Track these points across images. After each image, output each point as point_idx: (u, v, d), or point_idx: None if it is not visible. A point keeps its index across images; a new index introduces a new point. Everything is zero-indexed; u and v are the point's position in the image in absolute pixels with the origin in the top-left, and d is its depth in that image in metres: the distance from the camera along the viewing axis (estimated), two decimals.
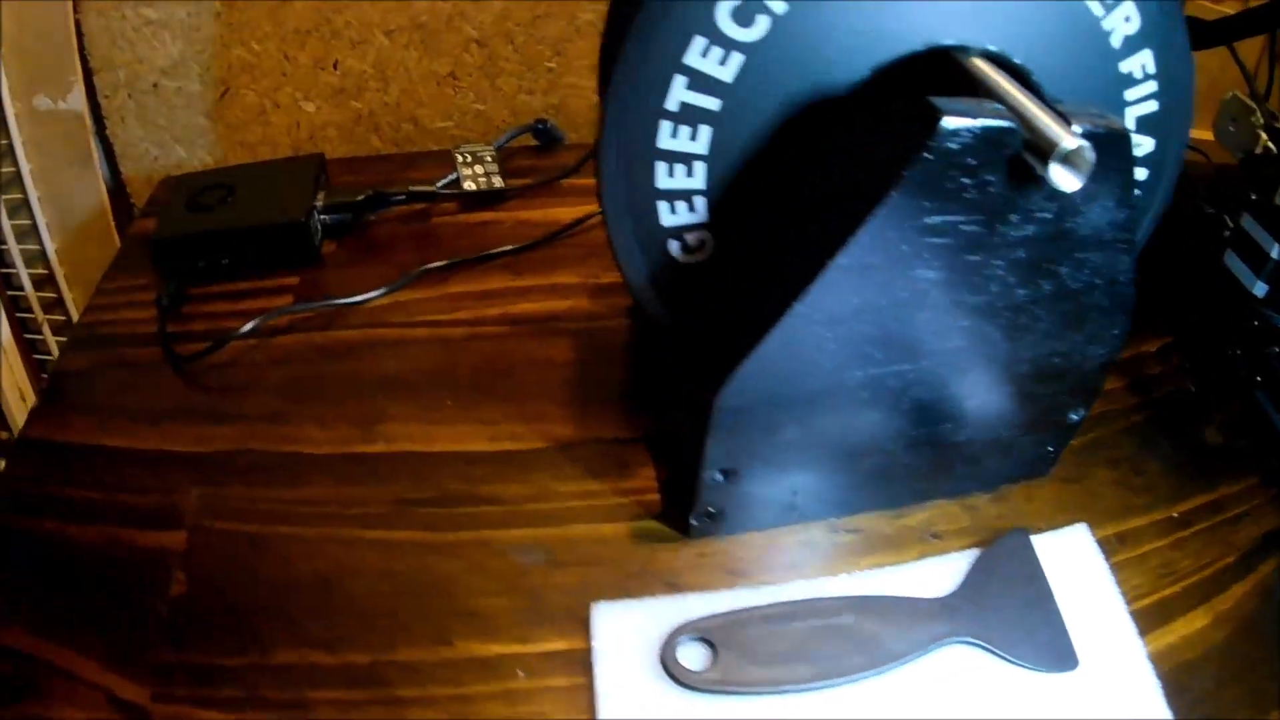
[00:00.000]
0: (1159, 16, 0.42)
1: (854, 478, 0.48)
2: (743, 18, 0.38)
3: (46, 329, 0.93)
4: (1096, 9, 0.41)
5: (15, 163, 0.85)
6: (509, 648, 0.46)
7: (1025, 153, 0.35)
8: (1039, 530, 0.48)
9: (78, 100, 0.82)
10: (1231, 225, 0.57)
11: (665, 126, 0.40)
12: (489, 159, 0.72)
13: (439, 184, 0.71)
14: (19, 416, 0.87)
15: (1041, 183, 0.35)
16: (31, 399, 0.88)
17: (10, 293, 0.92)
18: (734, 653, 0.42)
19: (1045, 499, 0.51)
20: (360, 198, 0.68)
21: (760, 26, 0.38)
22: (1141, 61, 0.43)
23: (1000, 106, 0.36)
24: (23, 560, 0.53)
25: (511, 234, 0.70)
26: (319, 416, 0.58)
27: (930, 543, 0.49)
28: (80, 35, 0.80)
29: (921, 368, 0.43)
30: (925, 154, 0.35)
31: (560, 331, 0.63)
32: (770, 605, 0.44)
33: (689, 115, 0.40)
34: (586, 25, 0.78)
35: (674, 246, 0.44)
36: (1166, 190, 0.48)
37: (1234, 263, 0.56)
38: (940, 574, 0.46)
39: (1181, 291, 0.62)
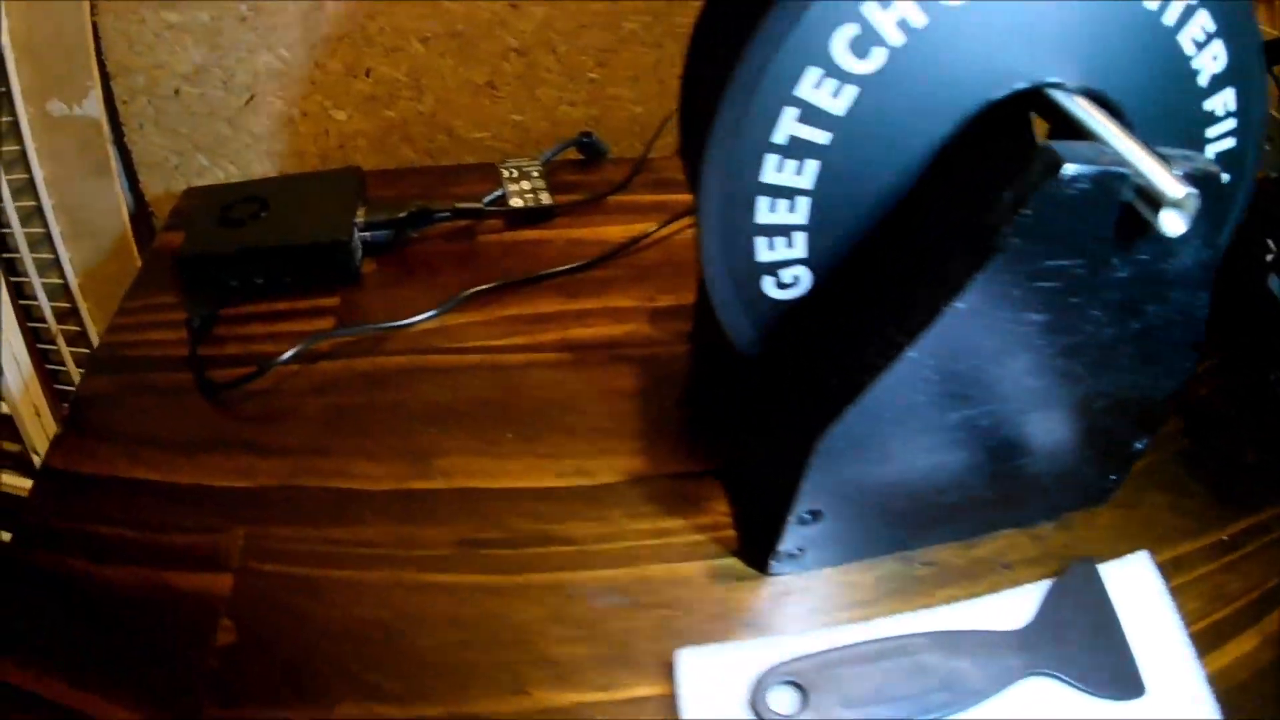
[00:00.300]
0: (1244, 56, 0.41)
1: (933, 512, 0.47)
2: (860, 49, 0.35)
3: (61, 341, 0.88)
4: (1188, 48, 0.39)
5: (28, 169, 0.79)
6: (589, 696, 0.43)
7: (1137, 199, 0.35)
8: (1102, 557, 0.47)
9: (94, 106, 0.77)
10: (1275, 249, 0.56)
11: (771, 160, 0.38)
12: (535, 174, 0.67)
13: (485, 200, 0.67)
14: (34, 434, 0.81)
15: (1147, 227, 0.34)
16: (49, 421, 0.82)
17: (22, 302, 0.86)
18: (825, 696, 0.41)
19: (1105, 525, 0.50)
20: (403, 214, 0.64)
21: (876, 59, 0.36)
22: (1224, 99, 0.42)
23: (1112, 151, 0.35)
24: (51, 601, 0.49)
25: (562, 254, 0.66)
26: (369, 450, 0.54)
27: (1002, 573, 0.47)
28: (97, 38, 0.75)
29: (1010, 406, 0.42)
30: (1046, 199, 0.34)
31: (621, 358, 0.59)
32: (855, 645, 0.43)
33: (797, 149, 0.37)
34: (630, 35, 0.74)
35: (768, 282, 0.42)
36: (1235, 224, 0.47)
37: (1277, 286, 0.56)
38: (1014, 606, 0.45)
39: (1227, 314, 0.60)
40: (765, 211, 0.39)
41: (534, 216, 0.68)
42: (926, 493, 0.45)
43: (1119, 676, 0.42)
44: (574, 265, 0.64)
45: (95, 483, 0.54)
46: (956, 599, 0.46)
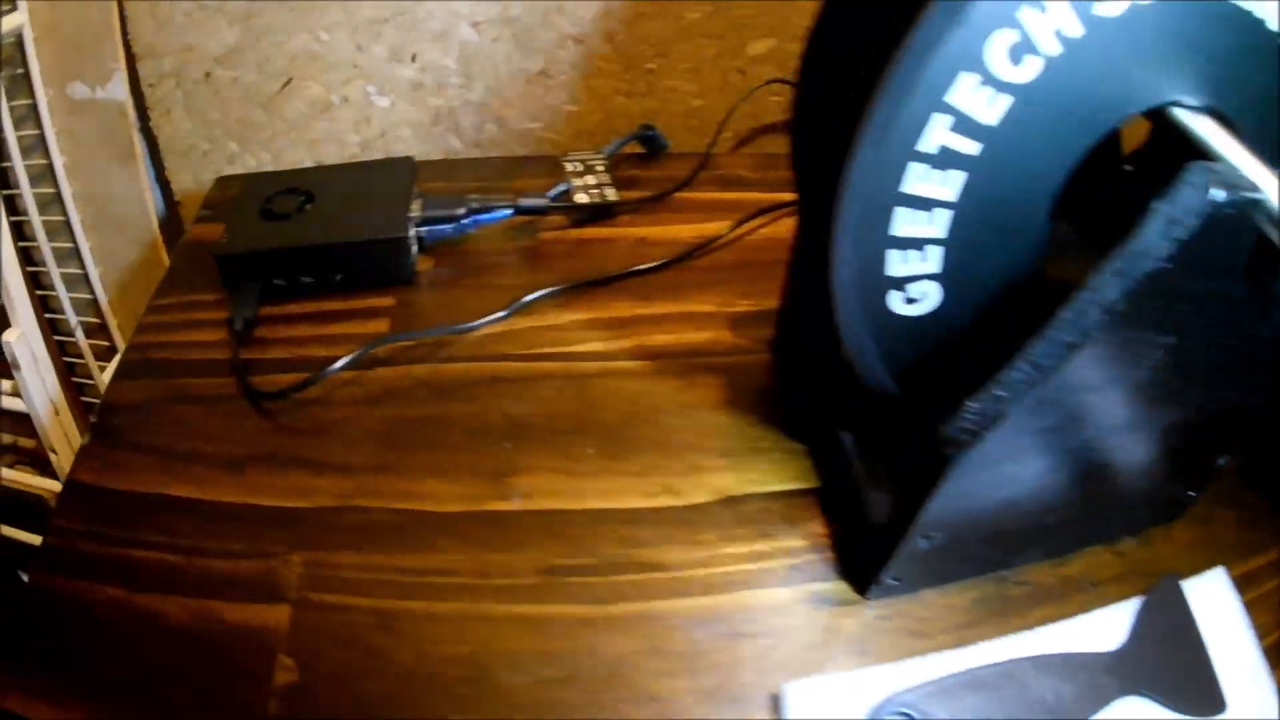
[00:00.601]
0: None
1: (1029, 532, 0.45)
2: (1015, 56, 0.33)
3: (80, 334, 0.81)
4: None
5: (47, 155, 0.73)
6: None
7: (1267, 222, 0.33)
8: (1181, 573, 0.45)
9: (119, 89, 0.71)
10: None
11: (917, 170, 0.35)
12: (600, 168, 0.62)
13: (549, 195, 0.61)
14: (52, 432, 0.75)
15: (1275, 250, 0.33)
16: (68, 419, 0.76)
17: (39, 292, 0.79)
18: None
19: (1181, 540, 0.47)
20: (462, 210, 0.58)
21: (1030, 68, 0.33)
22: None
23: (1247, 174, 0.33)
24: (82, 632, 0.43)
25: (631, 253, 0.60)
26: (438, 467, 0.48)
27: (1090, 591, 0.45)
28: (123, 18, 0.68)
29: (1116, 425, 0.41)
30: (1193, 223, 0.32)
31: (703, 368, 0.53)
32: (964, 673, 0.41)
33: (945, 159, 0.34)
34: (691, 25, 0.69)
35: (895, 297, 0.39)
36: None
37: None
38: (1106, 625, 0.44)
39: None
40: (903, 223, 0.36)
41: (598, 213, 0.62)
42: (1027, 513, 0.43)
43: (1203, 693, 0.42)
44: (647, 266, 0.59)
45: (128, 500, 0.49)
46: (1050, 619, 0.43)
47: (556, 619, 0.42)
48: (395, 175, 0.60)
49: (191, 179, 0.76)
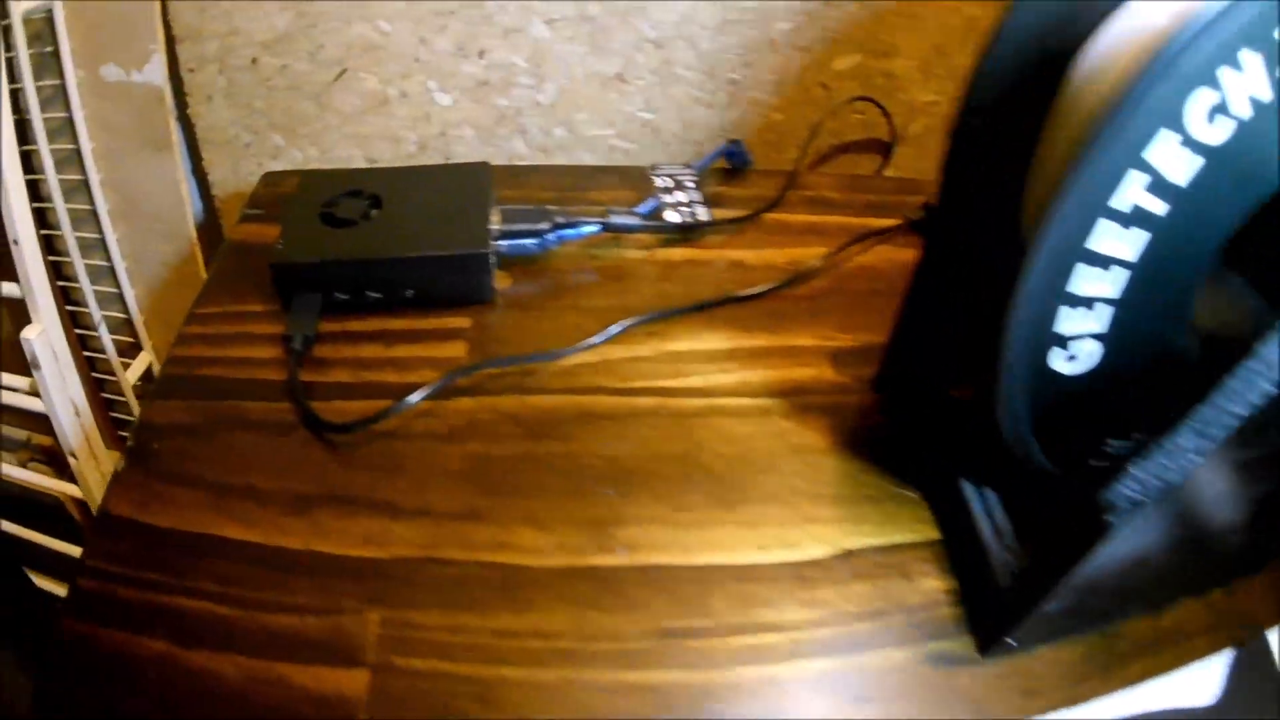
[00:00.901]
0: None
1: (1138, 588, 0.44)
2: (1211, 116, 0.31)
3: (104, 329, 0.74)
4: None
5: (74, 139, 0.65)
6: None
7: None
8: (1266, 623, 0.43)
9: (156, 73, 0.63)
10: None
11: (1106, 226, 0.33)
12: (690, 184, 0.56)
13: (637, 209, 0.54)
14: (70, 434, 0.67)
15: None
16: (89, 420, 0.68)
17: (61, 283, 0.72)
18: None
19: (1266, 589, 0.45)
20: (546, 224, 0.51)
21: (1222, 130, 0.31)
22: None
23: None
24: (122, 691, 0.37)
25: (724, 278, 0.54)
26: (532, 515, 0.42)
27: (1183, 644, 0.42)
28: None
29: (1235, 479, 0.39)
30: None
31: (811, 408, 0.48)
32: None
33: (1134, 217, 0.32)
34: (781, 36, 0.63)
35: (1056, 353, 0.36)
36: None
37: None
38: (1203, 680, 0.43)
39: None
40: (1081, 279, 0.33)
41: (685, 232, 0.56)
42: (1139, 570, 0.41)
43: None
44: (745, 294, 0.52)
45: (174, 539, 0.42)
46: (1148, 672, 0.41)
47: (670, 687, 0.37)
48: (471, 182, 0.54)
49: (230, 172, 0.69)
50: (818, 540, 0.42)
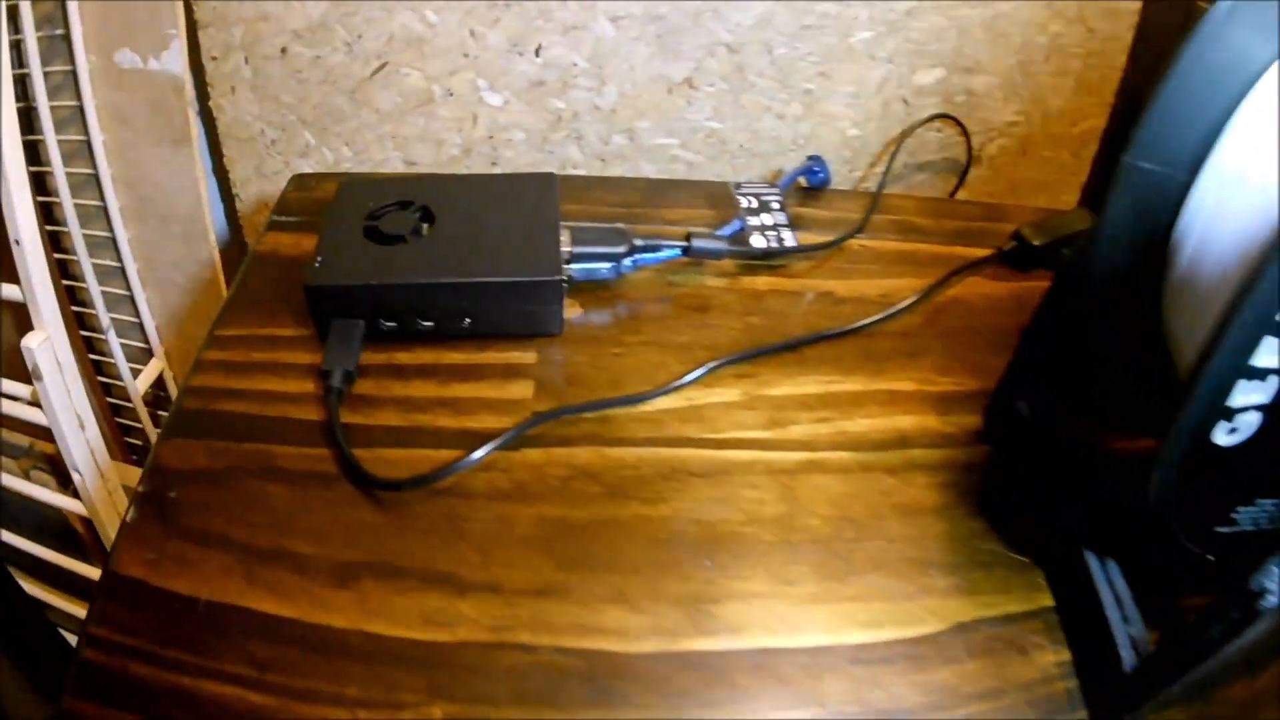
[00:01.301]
0: None
1: (1248, 655, 0.37)
2: None
3: (113, 334, 0.65)
4: None
5: (85, 130, 0.56)
6: None
7: None
8: None
9: (175, 60, 0.55)
10: None
11: None
12: (775, 205, 0.47)
13: (721, 231, 0.46)
14: (74, 446, 0.59)
15: None
16: (95, 434, 0.60)
17: (66, 283, 0.63)
18: None
19: None
20: (623, 247, 0.43)
21: None
22: None
23: None
24: None
25: (815, 311, 0.46)
26: (620, 591, 0.35)
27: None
28: None
29: None
30: None
31: (915, 463, 0.40)
32: None
33: None
34: (858, 46, 0.55)
35: (1221, 427, 0.32)
36: None
37: None
38: None
39: None
40: (1265, 353, 0.30)
41: (770, 257, 0.48)
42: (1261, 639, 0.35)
43: None
44: (838, 330, 0.45)
45: (194, 609, 0.34)
46: None
47: None
48: (536, 195, 0.46)
49: (253, 171, 0.60)
50: (931, 614, 0.36)
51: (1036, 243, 0.51)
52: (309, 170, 0.59)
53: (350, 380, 0.41)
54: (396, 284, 0.41)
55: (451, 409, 0.41)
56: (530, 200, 0.45)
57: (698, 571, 0.36)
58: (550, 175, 0.47)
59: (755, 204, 0.48)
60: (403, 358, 0.43)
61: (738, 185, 0.48)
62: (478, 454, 0.37)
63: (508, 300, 0.41)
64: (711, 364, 0.42)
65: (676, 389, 0.42)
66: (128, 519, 0.38)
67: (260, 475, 0.39)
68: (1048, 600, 0.37)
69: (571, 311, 0.45)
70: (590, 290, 0.46)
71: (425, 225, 0.44)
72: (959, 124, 0.59)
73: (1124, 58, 0.59)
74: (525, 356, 0.43)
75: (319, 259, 0.42)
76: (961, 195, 0.63)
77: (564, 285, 0.42)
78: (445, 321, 0.42)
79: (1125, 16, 0.57)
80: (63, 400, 0.60)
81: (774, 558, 0.37)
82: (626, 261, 0.44)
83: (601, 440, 0.40)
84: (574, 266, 0.44)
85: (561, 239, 0.43)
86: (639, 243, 0.44)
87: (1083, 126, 0.61)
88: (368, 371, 0.42)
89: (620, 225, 0.47)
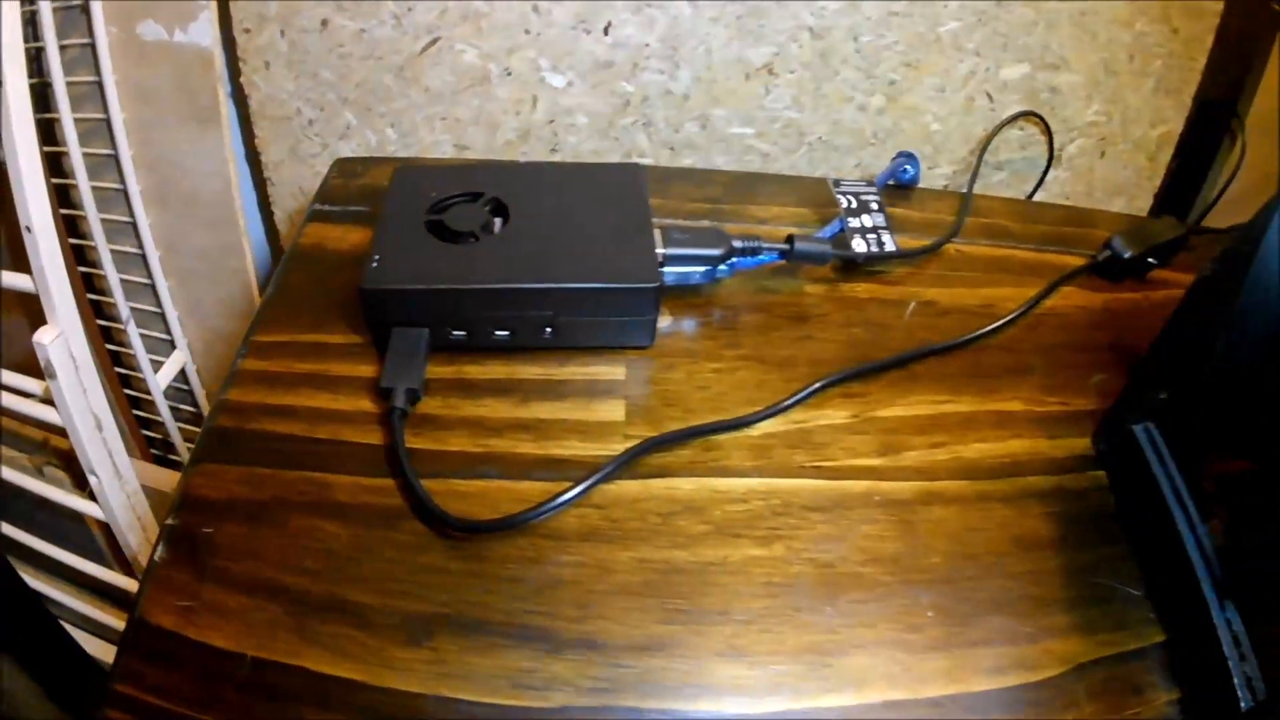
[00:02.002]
0: None
1: None
2: None
3: (132, 326, 0.56)
4: None
5: (104, 108, 0.48)
6: None
7: None
8: None
9: (204, 33, 0.46)
10: None
11: None
12: (874, 206, 0.40)
13: (821, 234, 0.39)
14: (89, 447, 0.50)
15: None
16: (117, 443, 0.51)
17: (82, 269, 0.54)
18: None
19: None
20: (720, 250, 0.36)
21: None
22: None
23: None
24: None
25: (918, 324, 0.39)
26: (733, 644, 0.28)
27: None
28: None
29: None
30: None
31: (1029, 492, 0.34)
32: None
33: None
34: (947, 37, 0.48)
35: None
36: None
37: None
38: None
39: None
40: None
41: (869, 262, 0.40)
42: None
43: None
44: (944, 345, 0.38)
45: (237, 667, 0.27)
46: None
47: None
48: (620, 190, 0.38)
49: (288, 152, 0.52)
50: (1051, 655, 0.30)
51: (1129, 253, 0.45)
52: (349, 153, 0.51)
53: (415, 399, 0.33)
54: (470, 289, 0.33)
55: (532, 432, 0.33)
56: (615, 195, 0.37)
57: (818, 619, 0.29)
58: (637, 167, 0.39)
59: (855, 204, 0.41)
60: (473, 372, 0.35)
61: (837, 183, 0.40)
62: (572, 492, 0.30)
63: (598, 309, 0.34)
64: (818, 383, 0.35)
65: (782, 411, 0.35)
66: (156, 557, 0.30)
67: (312, 510, 0.31)
68: (1159, 636, 0.32)
69: (660, 321, 0.37)
70: (680, 296, 0.38)
71: (497, 221, 0.36)
72: (1043, 122, 0.52)
73: (1204, 60, 0.52)
74: (613, 372, 0.35)
75: (376, 257, 0.34)
76: (1039, 196, 0.56)
77: (659, 294, 0.34)
78: (524, 332, 0.34)
79: (1208, 17, 0.50)
80: (78, 400, 0.51)
81: (894, 602, 0.30)
82: (722, 266, 0.37)
83: (705, 469, 0.33)
84: (666, 270, 0.36)
85: (656, 239, 0.35)
86: (739, 245, 0.37)
87: (1161, 130, 0.54)
88: (433, 387, 0.35)
89: (718, 225, 0.39)
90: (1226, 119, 0.56)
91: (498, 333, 0.34)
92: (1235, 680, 0.30)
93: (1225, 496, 0.34)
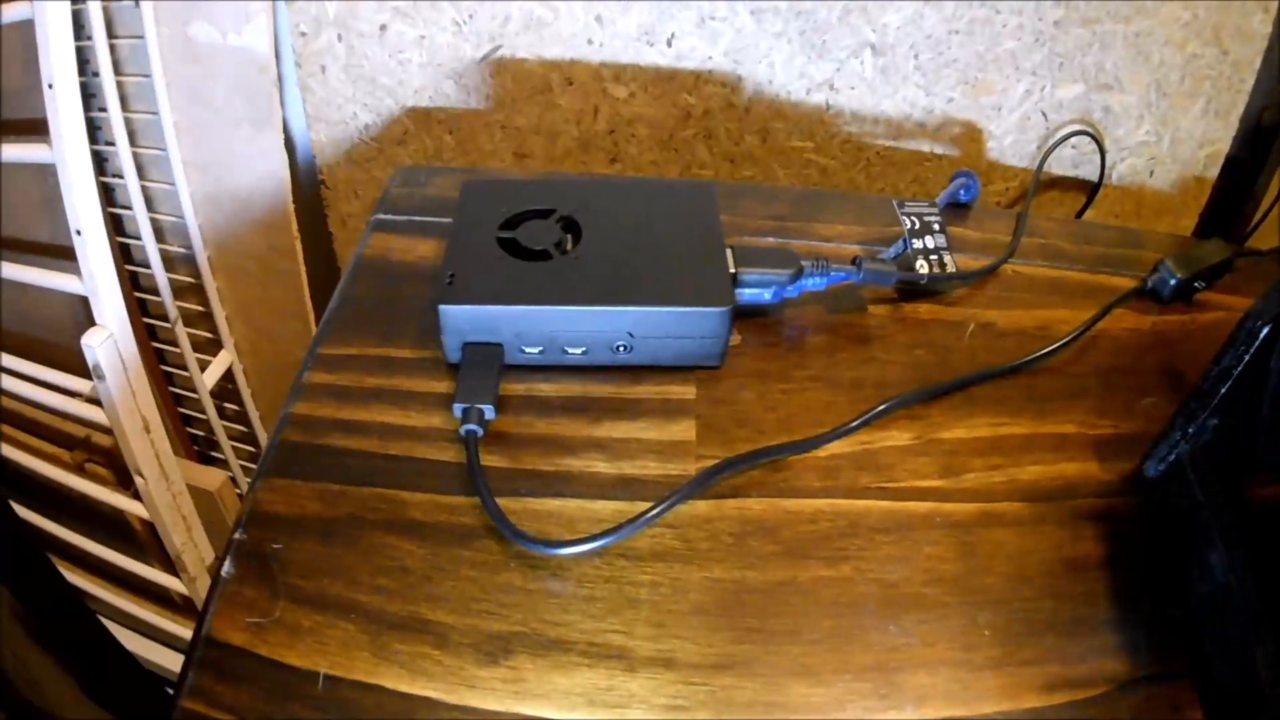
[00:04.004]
0: None
1: None
2: None
3: (180, 328, 0.56)
4: None
5: (154, 108, 0.47)
6: None
7: None
8: None
9: (259, 36, 0.46)
10: None
11: None
12: (936, 226, 0.40)
13: (886, 254, 0.39)
14: (138, 450, 0.50)
15: None
16: (160, 437, 0.51)
17: (129, 267, 0.54)
18: None
19: None
20: (789, 271, 0.35)
21: None
22: None
23: None
24: None
25: (978, 346, 0.39)
26: (804, 664, 0.28)
27: None
28: None
29: None
30: None
31: (1082, 514, 0.34)
32: None
33: None
34: (1005, 56, 0.47)
35: None
36: None
37: None
38: None
39: None
40: None
41: (936, 283, 0.40)
42: None
43: None
44: (1004, 368, 0.37)
45: (311, 686, 0.27)
46: None
47: None
48: (692, 209, 0.37)
49: (343, 157, 0.52)
50: (1098, 674, 0.30)
51: (1178, 277, 0.45)
52: (406, 159, 0.51)
53: (490, 418, 0.33)
54: (547, 309, 0.33)
55: (606, 451, 0.33)
56: (687, 214, 0.37)
57: (882, 638, 0.30)
58: (709, 185, 0.39)
59: (917, 225, 0.40)
60: (546, 390, 0.35)
61: (901, 203, 0.40)
62: (652, 513, 0.30)
63: (672, 330, 0.34)
64: (884, 405, 0.35)
65: (850, 432, 0.35)
66: (224, 573, 0.30)
67: (386, 528, 0.31)
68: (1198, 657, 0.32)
69: (730, 340, 0.36)
70: (748, 316, 0.38)
71: (569, 236, 0.36)
72: (1097, 141, 0.51)
73: (1252, 81, 0.52)
74: (685, 391, 0.35)
75: (450, 274, 0.34)
76: (1088, 215, 0.56)
77: (732, 316, 0.34)
78: (597, 350, 0.34)
79: (1257, 41, 0.49)
80: (127, 402, 0.51)
81: (954, 622, 0.30)
82: (791, 288, 0.36)
83: (775, 490, 0.33)
84: (738, 291, 0.35)
85: (729, 261, 0.35)
86: (808, 265, 0.37)
87: (1208, 150, 0.54)
88: (506, 405, 0.34)
89: (788, 245, 0.39)
90: (1271, 141, 0.56)
91: (571, 350, 0.34)
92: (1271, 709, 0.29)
93: (1271, 527, 0.34)
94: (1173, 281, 0.45)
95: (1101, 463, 0.37)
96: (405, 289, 0.39)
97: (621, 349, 0.34)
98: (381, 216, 0.43)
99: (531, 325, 0.34)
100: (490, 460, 0.33)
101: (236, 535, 0.32)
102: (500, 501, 0.31)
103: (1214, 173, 0.56)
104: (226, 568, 0.31)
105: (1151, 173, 0.55)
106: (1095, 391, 0.40)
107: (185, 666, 0.29)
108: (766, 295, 0.36)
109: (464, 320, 0.34)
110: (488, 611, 0.29)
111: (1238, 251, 0.47)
